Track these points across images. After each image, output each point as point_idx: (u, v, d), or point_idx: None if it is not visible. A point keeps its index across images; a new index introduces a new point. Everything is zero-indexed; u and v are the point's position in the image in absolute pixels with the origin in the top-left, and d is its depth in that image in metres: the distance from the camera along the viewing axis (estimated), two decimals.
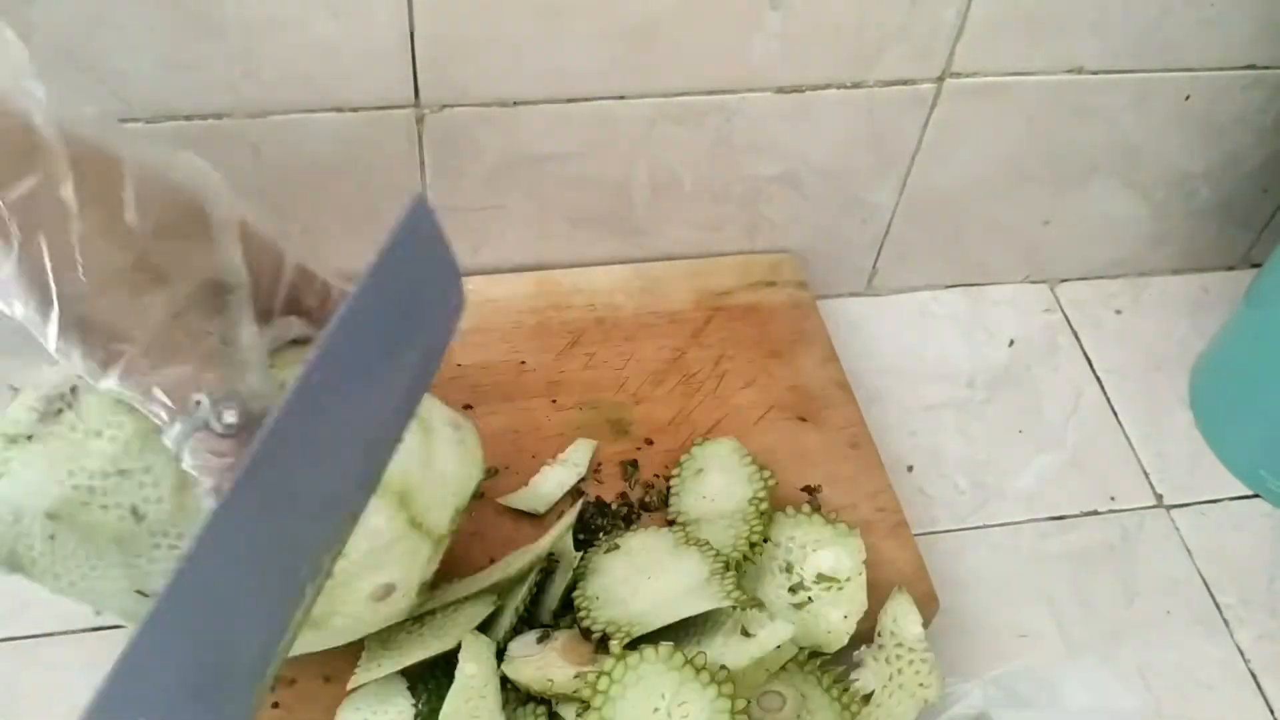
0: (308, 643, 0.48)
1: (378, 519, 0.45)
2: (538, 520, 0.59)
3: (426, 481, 0.47)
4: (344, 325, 0.38)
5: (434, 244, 0.44)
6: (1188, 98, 0.71)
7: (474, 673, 0.49)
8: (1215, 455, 0.72)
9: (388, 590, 0.47)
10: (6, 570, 0.45)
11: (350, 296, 0.38)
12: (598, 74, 0.62)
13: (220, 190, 0.42)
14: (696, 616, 0.51)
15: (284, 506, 0.38)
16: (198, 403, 0.39)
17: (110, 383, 0.39)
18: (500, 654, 0.51)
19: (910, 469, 0.69)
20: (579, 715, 0.47)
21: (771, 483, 0.59)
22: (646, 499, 0.61)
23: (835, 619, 0.54)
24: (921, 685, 0.52)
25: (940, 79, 0.66)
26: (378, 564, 0.46)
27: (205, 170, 0.42)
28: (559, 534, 0.56)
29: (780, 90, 0.65)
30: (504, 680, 0.50)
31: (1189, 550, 0.67)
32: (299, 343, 0.46)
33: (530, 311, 0.69)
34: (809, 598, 0.55)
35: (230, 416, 0.39)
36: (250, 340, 0.42)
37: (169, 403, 0.40)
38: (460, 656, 0.49)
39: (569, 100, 0.63)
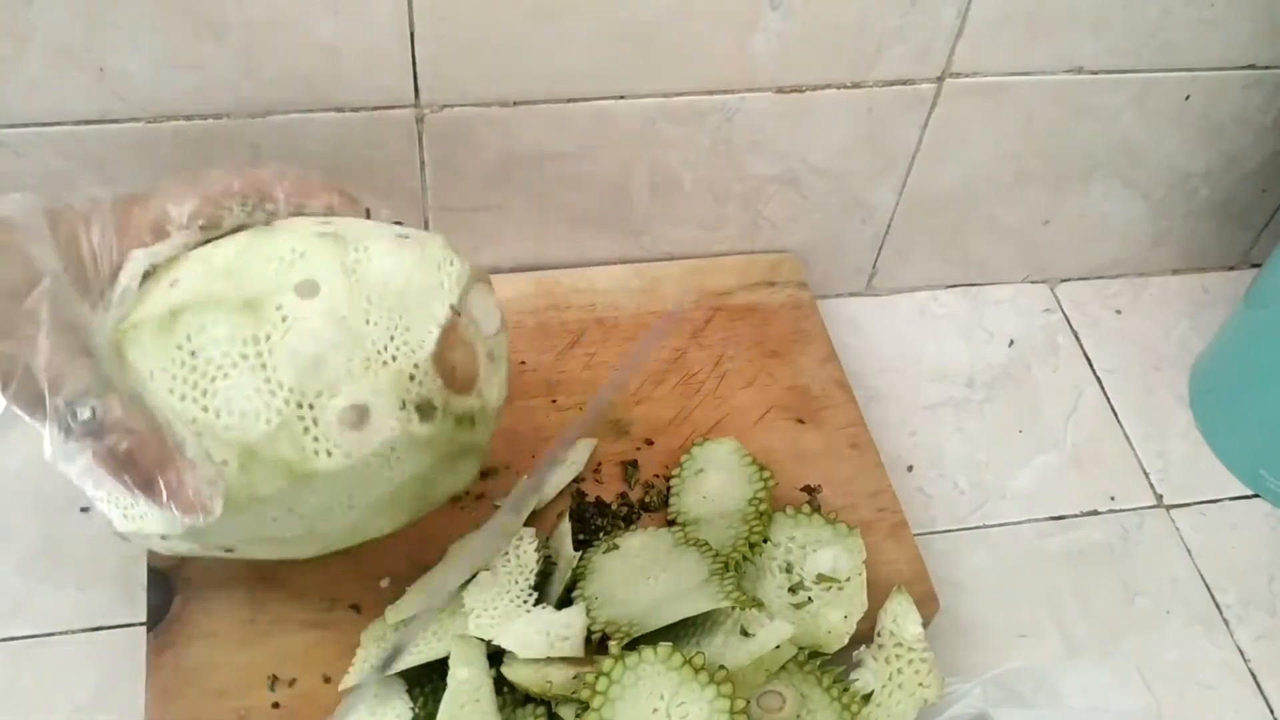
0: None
1: None
2: (537, 520, 0.59)
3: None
4: None
5: None
6: (1188, 98, 0.71)
7: (466, 677, 0.49)
8: (1215, 455, 0.72)
9: (359, 414, 0.43)
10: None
11: None
12: (597, 74, 0.62)
13: (20, 203, 0.43)
14: (696, 616, 0.51)
15: None
16: (57, 406, 0.41)
17: None
18: (500, 655, 0.51)
19: (910, 469, 0.69)
20: (578, 716, 0.47)
21: (771, 483, 0.59)
22: (646, 499, 0.61)
23: (835, 619, 0.54)
24: (921, 685, 0.52)
25: (940, 79, 0.66)
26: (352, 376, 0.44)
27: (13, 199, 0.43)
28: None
29: (780, 90, 0.65)
30: (503, 681, 0.50)
31: (1189, 550, 0.67)
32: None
33: (530, 311, 0.69)
34: (809, 598, 0.55)
35: (84, 414, 0.41)
36: (81, 323, 0.43)
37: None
38: (450, 661, 0.49)
39: (569, 100, 0.63)
